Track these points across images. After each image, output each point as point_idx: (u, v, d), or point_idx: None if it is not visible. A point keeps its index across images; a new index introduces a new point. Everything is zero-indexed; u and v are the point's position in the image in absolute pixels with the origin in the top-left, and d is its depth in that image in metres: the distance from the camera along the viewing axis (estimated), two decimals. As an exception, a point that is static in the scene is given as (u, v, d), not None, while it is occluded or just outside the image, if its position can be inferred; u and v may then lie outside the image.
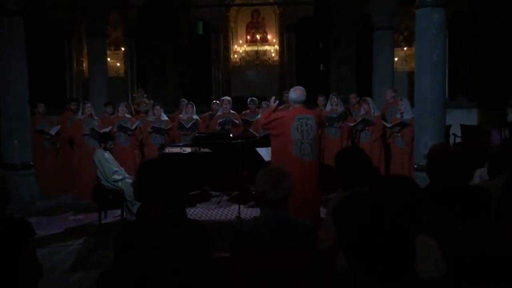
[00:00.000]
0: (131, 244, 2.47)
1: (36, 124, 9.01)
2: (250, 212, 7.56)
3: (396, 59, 13.26)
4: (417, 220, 2.11)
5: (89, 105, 9.13)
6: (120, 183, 7.08)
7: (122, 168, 7.37)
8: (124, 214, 7.16)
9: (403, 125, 8.35)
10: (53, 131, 9.00)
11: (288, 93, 6.31)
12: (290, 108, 5.83)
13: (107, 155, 7.26)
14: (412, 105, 8.01)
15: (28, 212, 7.53)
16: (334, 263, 2.53)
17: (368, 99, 9.22)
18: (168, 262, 1.58)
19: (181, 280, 1.60)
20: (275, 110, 5.85)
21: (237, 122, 9.36)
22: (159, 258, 1.58)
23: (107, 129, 8.81)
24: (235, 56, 15.74)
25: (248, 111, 9.99)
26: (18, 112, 8.31)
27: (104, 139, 7.41)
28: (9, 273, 2.73)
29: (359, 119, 8.91)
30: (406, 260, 1.31)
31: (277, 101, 5.97)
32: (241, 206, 7.49)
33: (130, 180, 7.04)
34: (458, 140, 12.34)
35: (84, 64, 15.17)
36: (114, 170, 7.14)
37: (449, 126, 10.62)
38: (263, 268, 2.72)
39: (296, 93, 5.66)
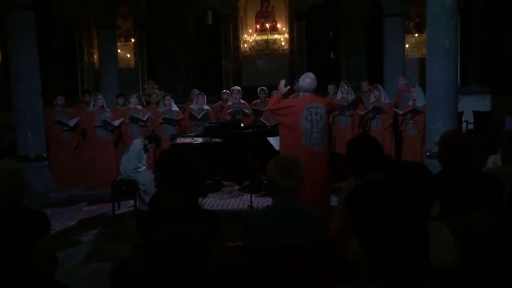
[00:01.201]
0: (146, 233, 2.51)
1: (55, 117, 9.09)
2: (261, 202, 7.58)
3: (407, 46, 13.14)
4: (430, 207, 2.11)
5: (100, 97, 9.18)
6: (133, 175, 7.13)
7: (144, 167, 7.41)
8: (137, 204, 7.22)
9: (415, 112, 8.31)
10: (71, 123, 9.07)
11: (299, 81, 6.22)
12: (300, 96, 5.72)
13: (142, 152, 7.32)
14: (424, 91, 7.95)
15: (42, 203, 7.61)
16: (345, 252, 2.54)
17: (379, 86, 9.17)
18: (180, 254, 1.59)
19: (193, 271, 1.62)
20: (285, 95, 5.73)
21: (247, 111, 9.36)
22: (171, 249, 1.60)
23: (119, 121, 8.87)
24: (245, 45, 15.67)
25: (258, 100, 9.98)
26: (31, 105, 8.38)
27: (151, 140, 7.46)
28: (25, 264, 2.76)
29: (370, 107, 8.87)
30: (421, 247, 1.31)
31: (288, 86, 5.79)
32: (253, 196, 7.51)
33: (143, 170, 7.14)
34: (471, 126, 12.23)
35: (95, 56, 15.23)
36: (137, 167, 7.19)
37: (461, 113, 10.52)
38: (275, 258, 2.74)
39: (306, 81, 5.51)
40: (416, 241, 1.30)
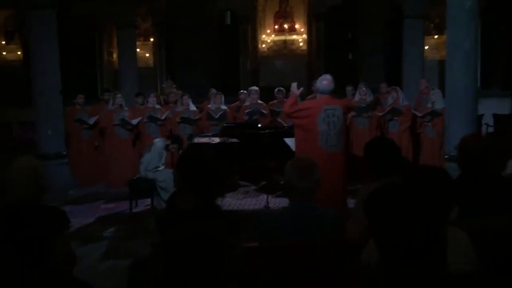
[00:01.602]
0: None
1: (75, 115, 9.20)
2: (278, 202, 7.57)
3: (426, 47, 13.02)
4: (449, 212, 2.10)
5: (119, 95, 9.26)
6: (153, 174, 7.20)
7: (163, 166, 7.48)
8: (154, 203, 7.28)
9: (434, 114, 8.24)
10: (91, 121, 9.18)
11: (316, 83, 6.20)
12: (317, 98, 5.71)
13: (163, 151, 7.40)
14: (444, 94, 7.88)
15: (61, 200, 7.69)
16: (362, 254, 2.53)
17: (397, 88, 9.11)
18: (196, 253, 1.61)
19: (208, 270, 1.63)
20: (302, 98, 5.73)
21: (265, 112, 9.36)
22: (187, 248, 1.61)
23: (137, 119, 8.94)
24: (263, 45, 15.69)
25: (275, 101, 9.98)
26: (51, 103, 8.49)
27: (174, 141, 7.56)
28: (44, 261, 2.81)
29: (387, 109, 8.81)
30: (439, 251, 1.30)
31: (301, 88, 5.78)
32: (269, 196, 7.51)
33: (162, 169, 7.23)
34: (491, 129, 12.08)
35: (114, 55, 15.38)
36: (156, 166, 7.26)
37: (481, 116, 10.41)
38: (290, 258, 2.74)
39: (323, 83, 5.50)
40: (434, 245, 1.30)
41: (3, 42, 15.61)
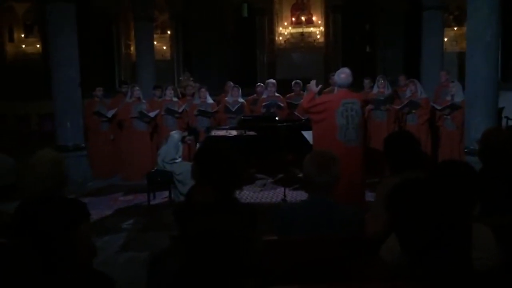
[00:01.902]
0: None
1: (93, 107, 9.27)
2: (295, 195, 7.57)
3: (445, 39, 12.86)
4: (473, 207, 2.06)
5: (137, 88, 9.30)
6: (170, 166, 7.25)
7: (180, 158, 7.52)
8: (172, 195, 7.33)
9: (453, 107, 8.13)
10: (109, 114, 9.24)
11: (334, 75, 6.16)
12: (335, 91, 5.68)
13: (179, 144, 7.45)
14: (463, 86, 7.77)
15: (80, 192, 7.78)
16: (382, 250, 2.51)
17: (415, 80, 9.00)
18: (216, 247, 1.61)
19: (228, 265, 1.64)
20: (319, 92, 5.71)
21: (282, 105, 9.33)
22: (207, 241, 1.62)
23: (155, 112, 8.98)
24: (280, 38, 15.62)
25: (292, 93, 9.95)
26: (70, 95, 8.55)
27: (191, 133, 7.62)
28: (66, 252, 2.84)
29: (405, 102, 8.72)
30: (464, 248, 1.28)
31: (320, 85, 5.77)
32: (286, 189, 7.50)
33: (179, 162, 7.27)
34: (511, 123, 11.90)
35: (132, 48, 15.45)
36: (174, 158, 7.31)
37: (501, 109, 10.24)
38: (308, 252, 2.73)
39: (341, 76, 5.48)
40: (459, 241, 1.28)
41: (22, 35, 15.78)
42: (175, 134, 7.58)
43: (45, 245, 2.79)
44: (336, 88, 5.61)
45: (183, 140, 7.53)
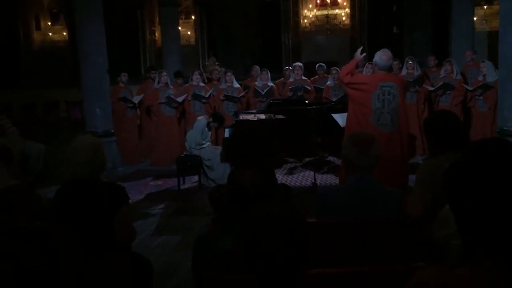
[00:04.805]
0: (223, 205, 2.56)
1: (119, 93, 9.32)
2: (324, 179, 7.54)
3: (475, 18, 12.55)
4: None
5: (164, 74, 9.32)
6: (197, 151, 7.29)
7: (208, 143, 7.58)
8: (202, 180, 7.36)
9: (485, 87, 7.95)
10: (136, 100, 9.29)
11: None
12: (373, 73, 5.52)
13: (206, 129, 7.48)
14: (496, 67, 7.59)
15: (111, 178, 7.85)
16: (426, 233, 2.47)
17: (452, 60, 8.82)
18: (278, 229, 1.63)
19: (287, 249, 1.64)
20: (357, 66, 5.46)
21: (309, 88, 9.27)
22: (268, 226, 1.64)
23: (182, 97, 8.99)
24: (305, 21, 15.44)
25: (316, 76, 9.88)
26: (99, 82, 8.60)
27: (215, 119, 7.67)
28: (107, 235, 2.87)
29: (440, 83, 8.55)
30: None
31: (364, 54, 5.59)
32: (316, 173, 7.47)
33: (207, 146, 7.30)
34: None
35: (157, 34, 15.47)
36: (201, 143, 7.39)
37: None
38: (350, 235, 2.71)
39: (383, 58, 5.28)
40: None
41: (49, 23, 15.93)
42: (201, 120, 7.60)
43: (86, 228, 2.83)
44: (374, 70, 5.42)
45: (208, 126, 7.54)
